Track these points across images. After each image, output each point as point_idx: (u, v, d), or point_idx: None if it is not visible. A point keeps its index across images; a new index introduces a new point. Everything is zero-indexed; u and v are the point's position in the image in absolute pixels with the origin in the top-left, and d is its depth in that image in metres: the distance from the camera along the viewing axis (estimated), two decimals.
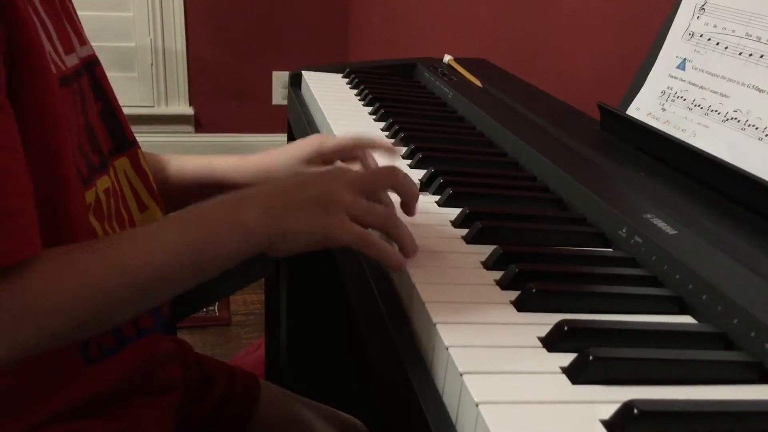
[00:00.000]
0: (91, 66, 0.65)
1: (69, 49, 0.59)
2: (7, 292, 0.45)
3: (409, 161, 0.80)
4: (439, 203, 0.68)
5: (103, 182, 0.62)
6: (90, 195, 0.59)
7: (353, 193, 0.55)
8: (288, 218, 0.53)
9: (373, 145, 0.75)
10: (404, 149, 0.81)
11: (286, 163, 0.78)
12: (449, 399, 0.43)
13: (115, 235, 0.61)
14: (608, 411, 0.38)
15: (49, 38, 0.55)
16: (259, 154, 0.81)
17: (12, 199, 0.46)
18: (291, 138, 1.13)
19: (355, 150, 0.76)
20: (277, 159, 0.79)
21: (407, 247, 0.55)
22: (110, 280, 0.50)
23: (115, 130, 0.67)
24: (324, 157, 0.77)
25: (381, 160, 0.76)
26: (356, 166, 0.75)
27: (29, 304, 0.46)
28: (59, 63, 0.56)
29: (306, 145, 0.78)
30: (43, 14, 0.55)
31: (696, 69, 0.76)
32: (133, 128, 0.71)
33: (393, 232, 0.55)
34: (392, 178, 0.58)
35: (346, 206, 0.54)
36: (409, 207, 0.59)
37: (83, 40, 0.65)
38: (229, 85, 2.77)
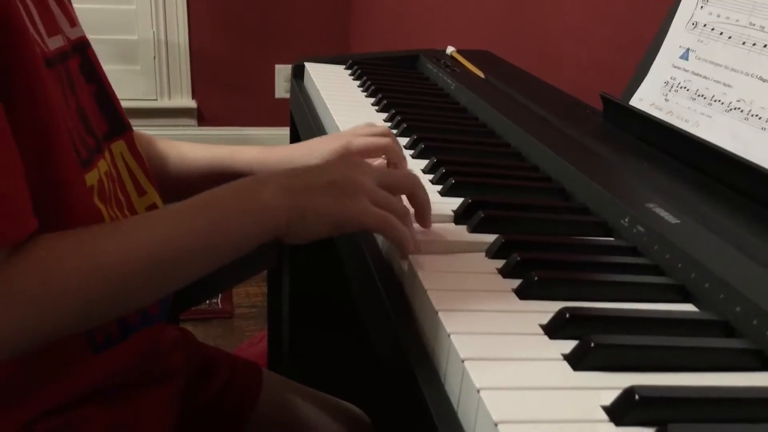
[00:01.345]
0: (83, 48, 0.65)
1: (53, 32, 0.58)
2: (7, 274, 0.45)
3: (411, 151, 0.80)
4: (442, 193, 0.68)
5: (102, 165, 0.62)
6: (92, 177, 0.59)
7: (373, 183, 0.55)
8: (309, 199, 0.53)
9: (398, 161, 0.71)
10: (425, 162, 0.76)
11: (309, 161, 0.75)
12: (451, 385, 0.43)
13: (127, 219, 0.61)
14: (609, 397, 0.38)
15: (31, 20, 0.54)
16: (282, 147, 0.79)
17: (1, 181, 0.45)
18: (294, 131, 1.13)
19: (380, 154, 0.73)
20: (301, 154, 0.76)
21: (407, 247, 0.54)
22: (124, 264, 0.49)
23: (110, 113, 0.67)
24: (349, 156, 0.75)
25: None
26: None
27: (32, 287, 0.46)
28: (42, 45, 0.55)
29: (333, 142, 0.75)
30: None
31: (699, 59, 0.76)
32: (136, 121, 0.71)
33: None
34: (412, 184, 0.58)
35: (366, 192, 0.54)
36: (423, 217, 0.58)
37: (74, 22, 0.64)
38: (232, 78, 2.77)
